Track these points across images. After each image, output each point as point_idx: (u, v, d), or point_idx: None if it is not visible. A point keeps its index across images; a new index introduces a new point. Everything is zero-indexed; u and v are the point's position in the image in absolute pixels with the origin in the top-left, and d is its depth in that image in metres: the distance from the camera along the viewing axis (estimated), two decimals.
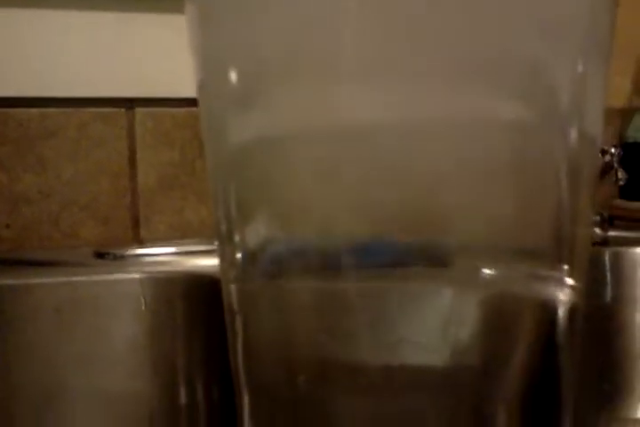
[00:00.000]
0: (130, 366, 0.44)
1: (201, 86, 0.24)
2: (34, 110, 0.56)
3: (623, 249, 0.54)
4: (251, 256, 0.22)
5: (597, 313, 0.52)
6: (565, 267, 0.21)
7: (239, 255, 0.22)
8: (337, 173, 0.20)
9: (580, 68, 0.21)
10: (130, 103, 0.58)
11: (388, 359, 0.20)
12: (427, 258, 0.20)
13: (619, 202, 0.71)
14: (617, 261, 0.54)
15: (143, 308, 0.44)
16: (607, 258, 0.54)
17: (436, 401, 0.20)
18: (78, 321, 0.43)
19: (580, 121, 0.21)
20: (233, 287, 0.23)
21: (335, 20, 0.20)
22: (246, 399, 0.23)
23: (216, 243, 0.24)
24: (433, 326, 0.20)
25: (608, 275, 0.53)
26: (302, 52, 0.20)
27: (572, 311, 0.21)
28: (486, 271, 0.20)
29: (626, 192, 0.70)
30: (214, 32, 0.23)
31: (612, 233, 0.59)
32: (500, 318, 0.21)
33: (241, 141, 0.22)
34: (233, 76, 0.22)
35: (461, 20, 0.20)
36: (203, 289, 0.45)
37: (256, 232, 0.22)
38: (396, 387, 0.20)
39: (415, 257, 0.20)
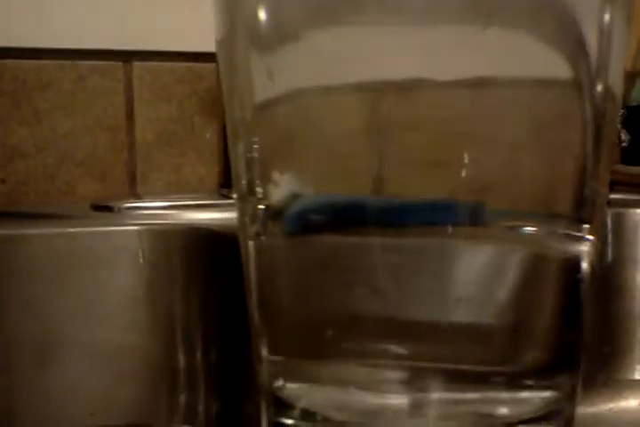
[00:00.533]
0: (127, 319, 0.43)
1: (223, 41, 0.23)
2: (30, 62, 0.55)
3: (624, 210, 0.54)
4: (274, 212, 0.22)
5: (598, 274, 0.52)
6: (587, 224, 0.22)
7: (261, 211, 0.22)
8: (367, 129, 0.20)
9: (606, 18, 0.21)
10: (128, 56, 0.57)
11: (419, 313, 0.20)
12: (464, 217, 0.20)
13: (620, 167, 0.71)
14: (618, 222, 0.53)
15: (141, 260, 0.43)
16: (609, 219, 0.53)
17: (470, 348, 0.20)
18: (75, 273, 0.43)
19: (605, 77, 0.21)
20: (252, 243, 0.23)
21: None
22: (264, 349, 0.22)
23: (235, 197, 0.23)
24: (476, 279, 0.20)
25: (609, 236, 0.53)
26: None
27: (592, 264, 0.23)
28: (521, 230, 0.21)
29: (627, 157, 0.69)
30: None
31: (613, 196, 0.58)
32: (534, 271, 0.21)
33: (267, 97, 0.22)
34: (263, 23, 0.21)
35: None
36: (201, 242, 0.44)
37: (280, 188, 0.22)
38: (429, 336, 0.20)
39: (450, 216, 0.20)
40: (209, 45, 0.53)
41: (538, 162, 0.21)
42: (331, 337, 0.21)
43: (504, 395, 0.19)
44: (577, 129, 0.21)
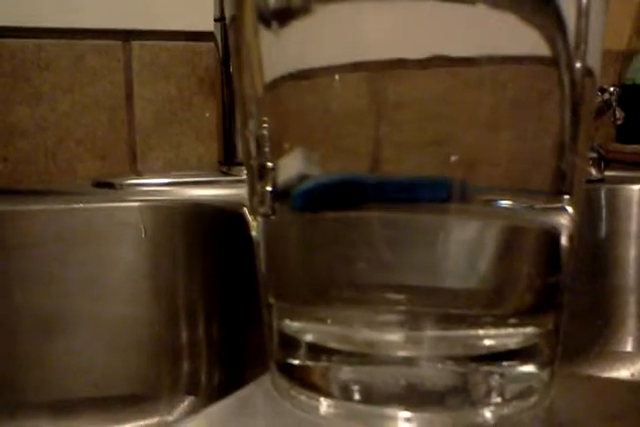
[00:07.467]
0: (130, 293, 0.44)
1: (232, 17, 0.24)
2: (29, 41, 0.55)
3: (618, 186, 0.54)
4: (282, 191, 0.23)
5: (592, 248, 0.53)
6: (566, 196, 0.23)
7: (270, 192, 0.23)
8: (370, 111, 0.21)
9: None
10: (126, 35, 0.57)
11: (415, 275, 0.21)
12: (453, 194, 0.21)
13: (616, 145, 0.71)
14: (612, 198, 0.54)
15: (143, 235, 0.44)
16: (603, 195, 0.54)
17: (459, 297, 0.21)
18: (78, 248, 0.43)
19: (583, 56, 0.22)
20: (261, 221, 0.23)
21: None
22: (272, 298, 0.23)
23: (245, 177, 0.24)
24: (462, 249, 0.21)
25: (603, 211, 0.54)
26: None
27: (571, 235, 0.23)
28: (499, 204, 0.22)
29: (622, 135, 0.70)
30: None
31: (608, 173, 0.59)
32: (511, 243, 0.22)
33: (276, 75, 0.22)
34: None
35: None
36: (202, 218, 0.45)
37: (289, 167, 0.22)
38: (423, 289, 0.21)
39: (435, 193, 0.21)
40: (207, 24, 0.54)
41: (516, 139, 0.21)
42: (334, 289, 0.22)
43: (490, 332, 0.22)
44: (555, 106, 0.22)
